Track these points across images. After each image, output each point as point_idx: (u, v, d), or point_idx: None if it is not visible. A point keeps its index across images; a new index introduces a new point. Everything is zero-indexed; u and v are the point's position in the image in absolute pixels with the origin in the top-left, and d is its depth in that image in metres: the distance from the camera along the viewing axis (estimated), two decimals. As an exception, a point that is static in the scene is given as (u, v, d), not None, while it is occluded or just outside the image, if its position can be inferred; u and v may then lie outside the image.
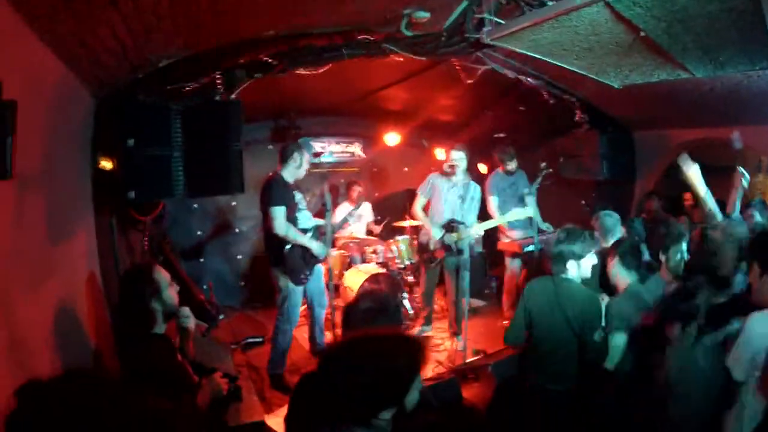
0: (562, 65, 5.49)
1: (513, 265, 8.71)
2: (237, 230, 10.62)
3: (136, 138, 5.24)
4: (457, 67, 6.48)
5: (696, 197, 5.55)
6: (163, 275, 3.91)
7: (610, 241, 6.00)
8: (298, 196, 6.93)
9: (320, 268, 7.25)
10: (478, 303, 9.83)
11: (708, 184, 5.38)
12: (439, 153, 10.87)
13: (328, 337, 7.43)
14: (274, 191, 6.59)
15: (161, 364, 3.65)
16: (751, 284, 3.91)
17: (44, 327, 3.69)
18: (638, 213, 8.57)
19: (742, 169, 5.56)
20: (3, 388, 2.43)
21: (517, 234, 8.50)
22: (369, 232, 10.48)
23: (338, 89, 8.27)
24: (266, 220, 6.65)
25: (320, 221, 7.23)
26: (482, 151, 10.53)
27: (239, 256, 10.69)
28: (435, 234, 8.00)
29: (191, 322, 4.31)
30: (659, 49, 4.75)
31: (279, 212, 6.51)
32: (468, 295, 7.29)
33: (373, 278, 8.60)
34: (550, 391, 4.86)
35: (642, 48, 4.82)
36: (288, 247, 6.60)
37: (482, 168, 10.54)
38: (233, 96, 6.00)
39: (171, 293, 3.91)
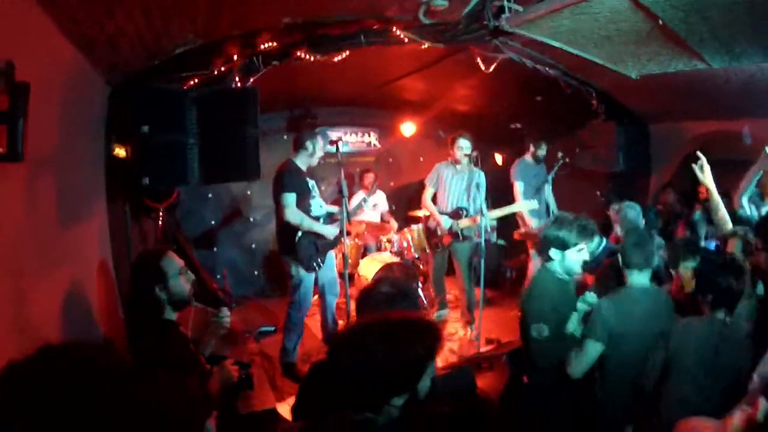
0: (581, 54, 5.45)
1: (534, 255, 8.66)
2: (251, 219, 10.60)
3: (151, 125, 5.20)
4: (476, 56, 6.42)
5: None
6: (173, 263, 3.81)
7: None
8: (310, 183, 6.89)
9: (333, 257, 7.23)
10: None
11: (723, 177, 5.28)
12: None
13: (340, 325, 7.40)
14: (286, 179, 6.57)
15: (171, 353, 3.60)
16: None
17: (54, 313, 3.69)
18: (654, 205, 8.50)
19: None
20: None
21: (534, 223, 8.46)
22: (384, 222, 10.41)
23: (355, 79, 8.25)
24: (278, 207, 6.62)
25: (333, 208, 7.21)
26: (498, 142, 10.48)
27: (253, 246, 10.66)
28: (445, 224, 8.08)
29: (226, 322, 4.24)
30: (677, 39, 4.72)
31: (290, 199, 6.48)
32: (483, 285, 7.25)
33: (388, 267, 8.61)
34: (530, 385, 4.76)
35: (660, 37, 4.79)
36: (299, 234, 6.57)
37: (498, 159, 10.49)
38: (250, 83, 5.96)
39: (181, 281, 3.79)
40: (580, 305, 4.44)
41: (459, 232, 7.97)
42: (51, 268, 3.80)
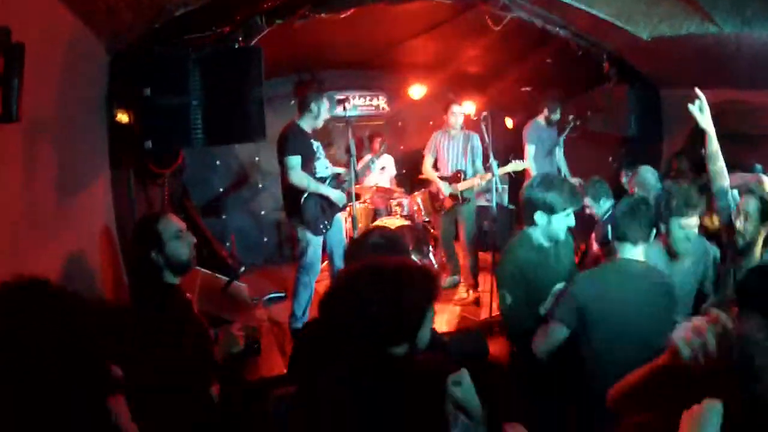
0: (591, 11, 5.35)
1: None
2: (260, 185, 10.54)
3: (153, 88, 5.18)
4: (484, 14, 6.31)
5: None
6: (170, 225, 3.71)
7: None
8: (315, 144, 6.81)
9: (341, 221, 7.18)
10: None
11: (734, 150, 5.09)
12: (466, 107, 10.73)
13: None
14: (290, 141, 6.49)
15: (171, 317, 3.57)
16: None
17: (54, 280, 3.64)
18: (666, 172, 8.40)
19: None
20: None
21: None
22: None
23: (363, 41, 8.21)
24: (283, 170, 6.57)
25: (339, 169, 7.17)
26: (508, 106, 10.37)
27: (262, 212, 10.62)
28: (445, 191, 8.13)
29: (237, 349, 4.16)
30: (689, -1, 4.62)
31: (294, 161, 6.42)
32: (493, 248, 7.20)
33: (399, 230, 8.51)
34: None
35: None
36: (305, 196, 6.50)
37: (508, 122, 10.40)
38: (253, 43, 5.88)
39: (178, 245, 3.69)
40: (556, 287, 4.02)
41: (459, 195, 8.01)
42: (52, 233, 3.77)
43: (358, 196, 8.62)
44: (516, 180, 8.60)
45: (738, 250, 4.24)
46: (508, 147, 9.19)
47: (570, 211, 4.07)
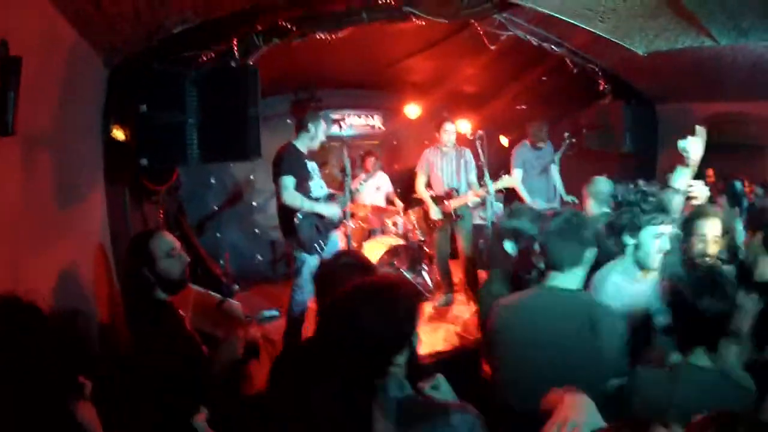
0: (587, 28, 5.36)
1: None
2: (255, 204, 10.55)
3: (149, 105, 5.19)
4: (480, 32, 6.34)
5: None
6: (163, 243, 3.72)
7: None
8: (311, 165, 6.82)
9: (336, 239, 7.17)
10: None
11: (730, 161, 5.08)
12: (460, 126, 10.74)
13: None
14: (284, 161, 6.50)
15: (164, 333, 3.58)
16: None
17: (49, 294, 3.62)
18: (661, 187, 8.41)
19: None
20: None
21: (538, 206, 8.39)
22: (390, 203, 10.36)
23: (359, 60, 8.24)
24: (277, 190, 6.56)
25: (334, 192, 7.16)
26: (504, 124, 10.40)
27: (257, 230, 10.62)
28: (433, 214, 8.22)
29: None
30: (685, 12, 4.62)
31: (287, 182, 6.41)
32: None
33: (393, 250, 8.61)
34: None
35: (668, 11, 4.70)
36: (299, 216, 6.49)
37: (504, 141, 10.42)
38: (250, 62, 5.88)
39: (170, 263, 3.71)
40: None
41: (452, 212, 8.04)
42: (47, 247, 3.76)
43: (352, 215, 8.62)
44: (509, 199, 8.59)
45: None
46: (504, 165, 9.19)
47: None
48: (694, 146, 4.21)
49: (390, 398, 2.27)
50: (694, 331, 2.84)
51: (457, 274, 9.05)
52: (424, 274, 9.01)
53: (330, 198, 6.94)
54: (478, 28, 6.29)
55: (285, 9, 5.48)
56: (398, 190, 10.61)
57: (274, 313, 8.22)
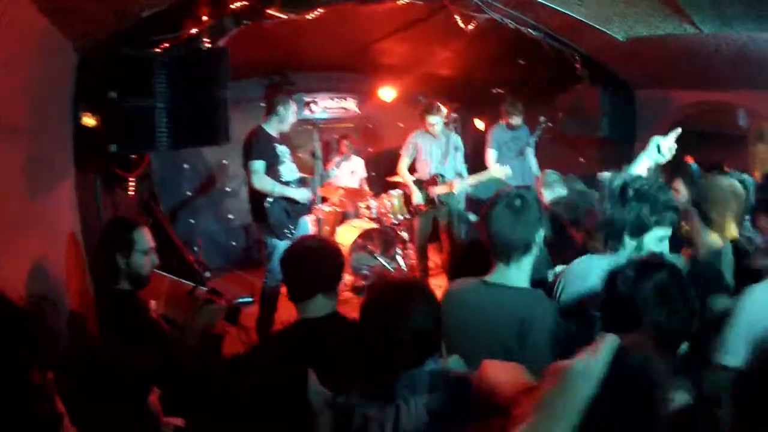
0: (566, 12, 5.29)
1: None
2: (228, 189, 10.47)
3: (119, 90, 5.07)
4: (456, 15, 6.26)
5: None
6: (144, 238, 3.85)
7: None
8: (281, 149, 6.75)
9: (307, 223, 7.10)
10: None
11: (712, 151, 5.05)
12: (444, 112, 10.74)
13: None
14: (254, 146, 6.51)
15: (128, 322, 3.66)
16: None
17: (18, 283, 3.51)
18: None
19: None
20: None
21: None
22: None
23: (333, 43, 8.18)
24: (247, 175, 6.56)
25: (305, 176, 7.15)
26: (480, 107, 10.35)
27: (230, 215, 10.55)
28: (416, 199, 8.21)
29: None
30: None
31: (257, 166, 6.42)
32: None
33: (366, 234, 8.65)
34: None
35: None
36: (270, 200, 6.45)
37: (479, 124, 10.38)
38: (221, 44, 5.79)
39: (144, 260, 3.82)
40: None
41: (436, 199, 8.02)
42: (15, 239, 3.65)
43: (324, 199, 8.56)
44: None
45: None
46: (479, 148, 9.16)
47: None
48: (667, 146, 4.05)
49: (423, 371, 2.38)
50: None
51: (433, 259, 9.04)
52: (398, 258, 9.03)
53: (301, 182, 6.87)
54: (454, 11, 6.22)
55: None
56: (373, 173, 10.56)
57: (248, 300, 8.12)
